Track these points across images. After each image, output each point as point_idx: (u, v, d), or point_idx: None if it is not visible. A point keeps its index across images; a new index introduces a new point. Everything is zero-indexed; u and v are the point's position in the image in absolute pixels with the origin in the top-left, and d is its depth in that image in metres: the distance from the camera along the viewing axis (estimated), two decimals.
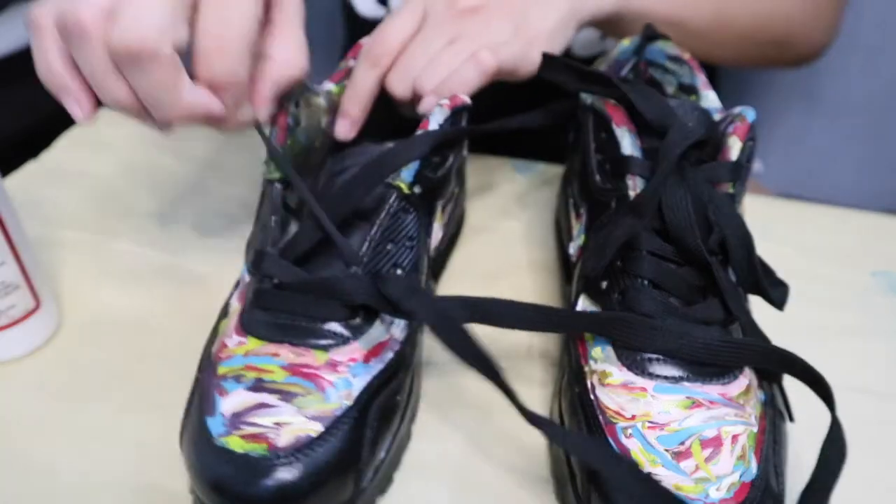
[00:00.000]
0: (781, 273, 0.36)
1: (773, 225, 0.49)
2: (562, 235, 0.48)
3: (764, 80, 1.19)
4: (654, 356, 0.33)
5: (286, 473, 0.29)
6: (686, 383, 0.32)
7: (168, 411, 0.38)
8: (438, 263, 0.47)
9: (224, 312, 0.37)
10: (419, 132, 0.38)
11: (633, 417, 0.31)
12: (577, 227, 0.41)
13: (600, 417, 0.32)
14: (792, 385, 0.35)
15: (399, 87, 0.42)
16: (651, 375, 0.32)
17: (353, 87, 0.42)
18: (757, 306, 0.37)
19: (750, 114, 0.37)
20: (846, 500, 0.35)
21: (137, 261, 0.48)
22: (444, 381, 0.40)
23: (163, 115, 0.34)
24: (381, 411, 0.33)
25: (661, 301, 0.34)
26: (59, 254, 0.48)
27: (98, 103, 0.35)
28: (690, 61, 0.44)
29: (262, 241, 0.36)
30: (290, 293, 0.34)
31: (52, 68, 0.34)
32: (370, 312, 0.34)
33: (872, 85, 1.14)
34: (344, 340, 0.33)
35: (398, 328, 0.36)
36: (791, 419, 0.34)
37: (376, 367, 0.34)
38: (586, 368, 0.35)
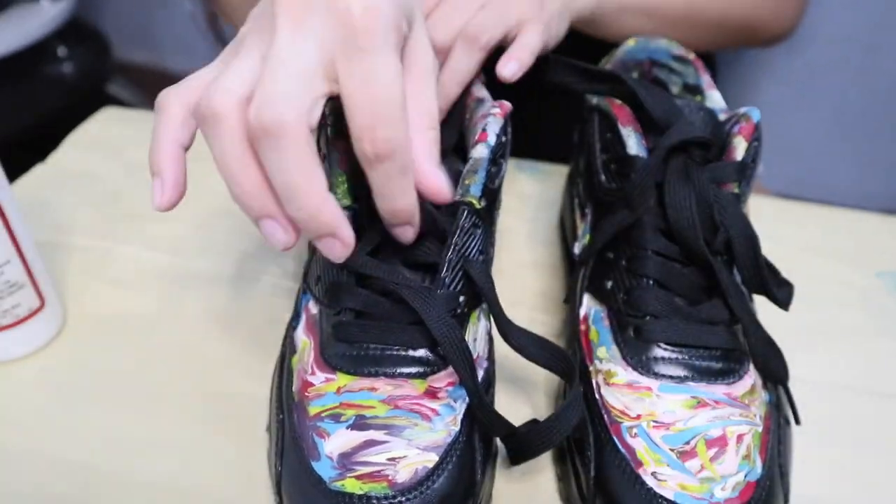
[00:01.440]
0: (785, 273, 0.37)
1: (776, 225, 0.49)
2: (566, 235, 0.48)
3: (764, 81, 1.19)
4: (660, 356, 0.33)
5: None
6: (691, 383, 0.32)
7: (171, 412, 0.38)
8: None
9: (291, 348, 0.36)
10: (478, 143, 0.35)
11: (639, 417, 0.32)
12: (583, 227, 0.41)
13: (605, 416, 0.32)
14: (792, 386, 0.35)
15: (442, 33, 0.40)
16: (656, 375, 0.33)
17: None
18: (761, 307, 0.37)
19: (755, 114, 0.37)
20: (847, 500, 0.35)
21: (142, 262, 0.48)
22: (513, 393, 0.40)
23: (295, 210, 0.28)
24: (483, 431, 0.32)
25: (667, 301, 0.34)
26: (65, 254, 0.48)
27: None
28: (695, 62, 0.44)
29: (333, 271, 0.34)
30: (378, 322, 0.33)
31: (160, 151, 0.32)
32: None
33: (872, 85, 1.14)
34: (439, 366, 0.32)
35: (481, 343, 0.35)
36: (798, 422, 0.34)
37: None
38: (591, 368, 0.35)
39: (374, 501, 0.28)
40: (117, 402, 0.39)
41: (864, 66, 1.13)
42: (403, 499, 0.28)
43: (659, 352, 0.33)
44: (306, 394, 0.32)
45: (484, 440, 0.32)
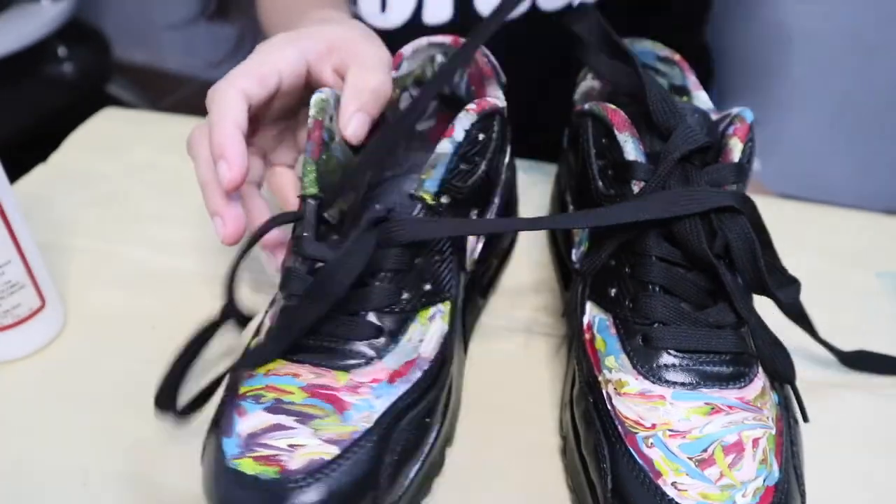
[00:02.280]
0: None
1: (776, 225, 0.49)
2: (557, 241, 0.48)
3: (764, 81, 1.19)
4: (670, 363, 0.33)
5: (296, 498, 0.28)
6: (703, 389, 0.32)
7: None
8: (486, 280, 0.45)
9: (256, 331, 0.36)
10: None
11: (654, 426, 0.31)
12: (580, 234, 0.41)
13: (619, 428, 0.32)
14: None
15: None
16: (668, 382, 0.32)
17: None
18: (761, 308, 0.37)
19: (748, 114, 0.37)
20: (848, 500, 0.35)
21: (143, 262, 0.48)
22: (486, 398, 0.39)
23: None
24: (408, 435, 0.32)
25: (674, 307, 0.34)
26: (65, 255, 0.48)
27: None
28: (681, 62, 0.44)
29: (290, 258, 0.35)
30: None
31: (223, 133, 0.36)
32: (397, 330, 0.33)
33: (872, 85, 1.14)
34: (368, 360, 0.32)
35: (430, 345, 0.35)
36: (806, 419, 0.34)
37: (402, 387, 0.33)
38: (600, 378, 0.34)
39: (261, 483, 0.28)
40: (118, 402, 0.39)
41: (864, 66, 1.13)
42: (291, 485, 0.28)
43: (669, 359, 0.33)
44: (245, 374, 0.33)
45: (406, 444, 0.32)
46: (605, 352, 0.35)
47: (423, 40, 0.44)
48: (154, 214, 0.52)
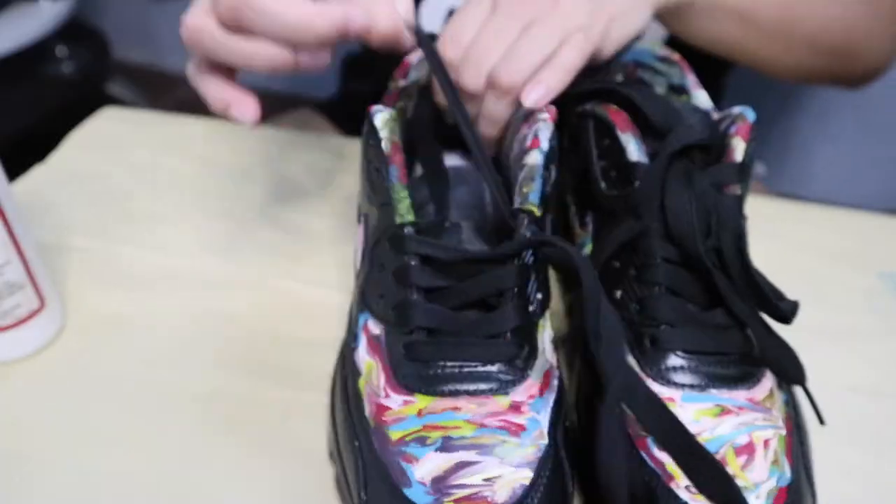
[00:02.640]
0: (786, 274, 0.36)
1: (776, 225, 0.49)
2: None
3: (764, 81, 1.19)
4: (679, 364, 0.33)
5: None
6: (713, 390, 0.32)
7: (171, 413, 0.38)
8: None
9: (353, 371, 0.34)
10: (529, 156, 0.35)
11: None
12: (583, 236, 0.40)
13: (630, 431, 0.32)
14: (795, 388, 0.35)
15: (472, 80, 0.38)
16: (677, 385, 0.32)
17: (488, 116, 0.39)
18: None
19: (750, 114, 0.37)
20: (853, 500, 0.35)
21: (142, 262, 0.48)
22: None
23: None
24: (566, 441, 0.32)
25: (681, 308, 0.34)
26: (65, 255, 0.48)
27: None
28: (680, 62, 0.44)
29: (397, 288, 0.33)
30: (450, 339, 0.32)
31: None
32: (532, 344, 0.33)
33: (872, 85, 1.14)
34: (518, 378, 0.32)
35: (549, 351, 0.34)
36: (822, 422, 0.34)
37: (550, 396, 0.32)
38: None
39: None
40: (117, 402, 0.39)
41: None
42: None
43: (677, 361, 0.33)
44: (384, 418, 0.31)
45: (567, 450, 0.32)
46: None
47: None
48: (154, 214, 0.52)
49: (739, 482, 0.29)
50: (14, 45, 1.19)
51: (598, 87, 0.40)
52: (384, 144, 0.34)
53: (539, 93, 0.37)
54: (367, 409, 0.32)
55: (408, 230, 0.33)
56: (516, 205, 0.34)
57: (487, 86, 0.38)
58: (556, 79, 0.37)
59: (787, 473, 0.30)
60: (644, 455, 0.31)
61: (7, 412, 0.38)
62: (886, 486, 0.36)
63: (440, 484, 0.28)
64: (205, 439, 0.37)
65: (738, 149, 0.36)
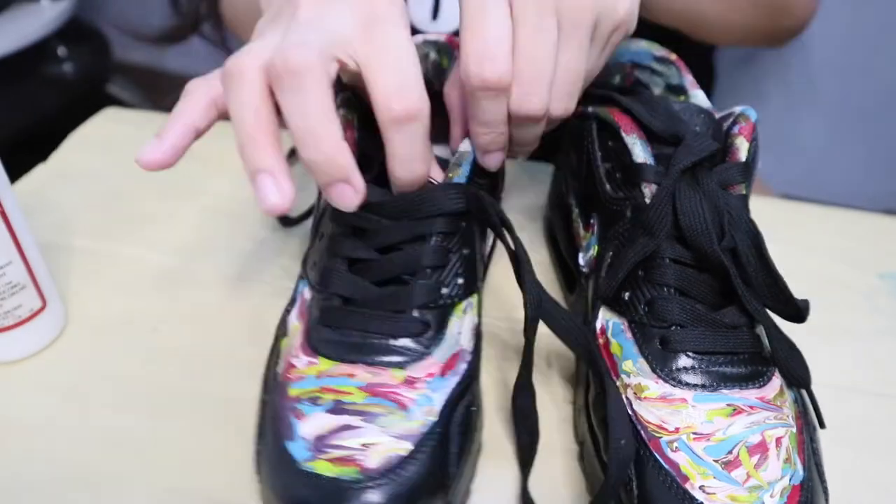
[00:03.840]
0: (787, 274, 0.36)
1: (778, 226, 0.49)
2: (557, 242, 0.48)
3: (764, 81, 1.19)
4: (689, 365, 0.33)
5: (378, 495, 0.28)
6: (724, 390, 0.32)
7: (172, 413, 0.38)
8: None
9: (283, 331, 0.36)
10: None
11: (677, 430, 0.31)
12: (588, 238, 0.40)
13: (642, 433, 0.32)
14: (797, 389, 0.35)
15: (537, 106, 0.33)
16: (688, 385, 0.32)
17: (486, 125, 0.34)
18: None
19: (752, 113, 0.37)
20: (854, 501, 0.35)
21: (144, 262, 0.48)
22: (502, 390, 0.40)
23: (313, 153, 0.30)
24: (462, 424, 0.33)
25: (690, 309, 0.34)
26: (66, 255, 0.48)
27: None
28: (677, 62, 0.44)
29: (327, 257, 0.35)
30: (361, 310, 0.33)
31: (173, 122, 0.34)
32: (441, 325, 0.34)
33: (872, 85, 1.14)
34: (419, 356, 0.33)
35: (466, 338, 0.35)
36: (822, 426, 0.34)
37: (453, 379, 0.33)
38: (618, 382, 0.34)
39: (344, 484, 0.28)
40: (118, 402, 0.39)
41: (864, 66, 1.13)
42: (373, 484, 0.28)
43: (687, 361, 0.33)
44: (288, 376, 0.33)
45: (462, 434, 0.32)
46: (621, 356, 0.34)
47: (419, 38, 0.44)
48: (154, 214, 0.52)
49: (753, 482, 0.29)
50: (15, 45, 1.19)
51: (599, 94, 0.40)
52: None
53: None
54: (280, 366, 0.34)
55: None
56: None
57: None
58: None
59: (800, 471, 0.30)
60: (658, 456, 0.30)
61: (7, 412, 0.38)
62: (886, 487, 0.36)
63: (320, 442, 0.30)
64: (205, 439, 0.37)
65: (742, 148, 0.36)
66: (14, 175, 0.47)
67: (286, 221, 0.50)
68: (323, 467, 0.29)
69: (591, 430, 0.35)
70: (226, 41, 0.73)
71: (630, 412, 0.33)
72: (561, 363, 0.42)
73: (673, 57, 0.44)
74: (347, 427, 0.30)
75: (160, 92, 1.72)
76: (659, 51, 0.45)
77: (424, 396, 0.32)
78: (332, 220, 0.35)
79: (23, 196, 0.44)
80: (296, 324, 0.35)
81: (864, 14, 1.08)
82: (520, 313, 0.43)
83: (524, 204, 0.54)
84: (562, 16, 0.33)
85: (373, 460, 0.29)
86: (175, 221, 0.52)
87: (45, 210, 0.52)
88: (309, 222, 0.51)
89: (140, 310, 0.44)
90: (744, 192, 0.35)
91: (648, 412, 0.32)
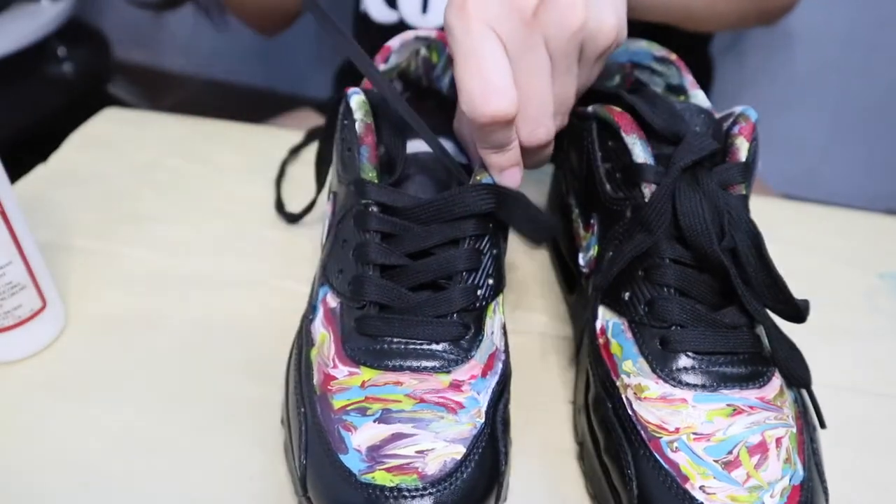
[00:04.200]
0: (788, 274, 0.36)
1: (778, 226, 0.49)
2: (557, 241, 0.48)
3: (764, 81, 1.19)
4: (689, 365, 0.33)
5: (439, 500, 0.28)
6: (724, 390, 0.32)
7: (172, 412, 0.38)
8: None
9: (308, 341, 0.36)
10: None
11: (677, 430, 0.31)
12: (588, 238, 0.40)
13: (642, 433, 0.32)
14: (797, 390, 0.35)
15: (545, 137, 0.35)
16: (688, 385, 0.32)
17: (498, 148, 0.35)
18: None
19: (752, 113, 0.37)
20: (853, 500, 0.35)
21: (144, 262, 0.48)
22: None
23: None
24: (503, 423, 0.33)
25: (690, 309, 0.34)
26: (66, 255, 0.48)
27: None
28: (677, 62, 0.44)
29: (357, 264, 0.35)
30: (400, 316, 0.33)
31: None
32: (479, 326, 0.34)
33: (872, 85, 1.14)
34: (462, 359, 0.33)
35: (498, 337, 0.35)
36: (823, 426, 0.34)
37: (493, 379, 0.34)
38: (618, 382, 0.34)
39: (405, 493, 0.28)
40: (119, 402, 0.38)
41: (864, 66, 1.13)
42: (434, 490, 0.28)
43: (688, 361, 0.33)
44: (329, 387, 0.32)
45: (505, 432, 0.33)
46: (621, 356, 0.34)
47: (410, 34, 0.44)
48: (154, 214, 0.52)
49: (754, 482, 0.29)
50: (15, 45, 1.19)
51: (600, 90, 0.40)
52: (358, 126, 0.36)
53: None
54: (316, 378, 0.33)
55: (372, 209, 0.35)
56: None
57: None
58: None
59: (800, 471, 0.30)
60: (657, 456, 0.30)
61: (8, 412, 0.38)
62: (886, 487, 0.36)
63: (375, 452, 0.30)
64: (206, 439, 0.37)
65: (743, 148, 0.36)
66: (14, 175, 0.47)
67: (290, 218, 0.50)
68: (382, 478, 0.29)
69: (591, 430, 0.35)
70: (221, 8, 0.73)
71: (630, 412, 0.33)
72: (561, 363, 0.42)
73: (673, 57, 0.44)
74: (400, 435, 0.30)
75: (160, 92, 1.72)
76: (659, 51, 0.45)
77: (471, 399, 0.32)
78: (358, 227, 0.35)
79: (23, 196, 0.44)
80: (323, 332, 0.35)
81: (864, 13, 1.08)
82: (527, 309, 0.43)
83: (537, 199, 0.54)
84: (549, 47, 0.33)
85: (430, 466, 0.29)
86: (174, 221, 0.52)
87: (45, 210, 0.52)
88: (309, 222, 0.51)
89: (140, 310, 0.44)
90: (744, 192, 0.35)
91: (648, 412, 0.32)
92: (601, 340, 0.36)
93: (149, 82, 1.60)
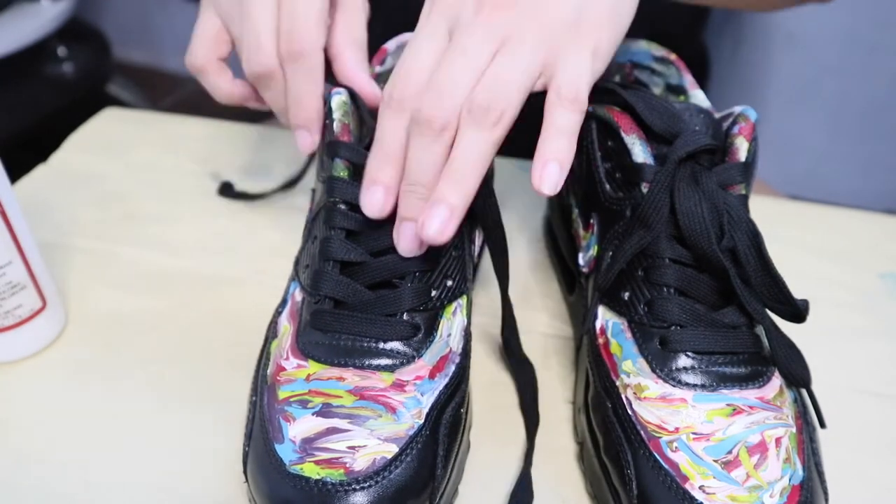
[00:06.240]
0: (788, 274, 0.36)
1: (779, 226, 0.49)
2: (557, 242, 0.48)
3: (764, 81, 1.19)
4: (689, 365, 0.33)
5: (364, 497, 0.28)
6: (724, 390, 0.32)
7: (172, 412, 0.38)
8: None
9: (273, 333, 0.36)
10: None
11: (677, 430, 0.31)
12: (588, 238, 0.40)
13: (642, 433, 0.32)
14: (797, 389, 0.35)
15: (439, 114, 0.31)
16: (688, 385, 0.32)
17: (382, 147, 0.33)
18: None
19: (751, 113, 0.37)
20: (848, 500, 0.35)
21: (143, 262, 0.48)
22: (491, 389, 0.40)
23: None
24: (449, 426, 0.33)
25: (690, 309, 0.34)
26: (66, 255, 0.48)
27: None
28: (677, 62, 0.44)
29: (319, 259, 0.35)
30: (352, 313, 0.34)
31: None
32: (430, 327, 0.34)
33: (872, 85, 1.14)
34: (408, 359, 0.33)
35: (455, 340, 0.35)
36: (823, 425, 0.34)
37: (441, 381, 0.33)
38: (618, 382, 0.34)
39: (329, 487, 0.28)
40: (119, 402, 0.39)
41: (864, 66, 1.13)
42: (358, 486, 0.28)
43: (687, 361, 0.33)
44: (278, 378, 0.33)
45: (450, 436, 0.32)
46: (621, 356, 0.34)
47: (407, 36, 0.44)
48: (154, 214, 0.52)
49: (753, 481, 0.29)
50: (14, 45, 1.19)
51: (600, 86, 0.40)
52: (335, 125, 0.37)
53: (552, 176, 0.32)
54: (270, 368, 0.34)
55: (340, 206, 0.35)
56: None
57: (463, 116, 0.31)
58: (565, 150, 0.32)
59: (800, 471, 0.30)
60: (657, 456, 0.30)
61: (8, 412, 0.38)
62: (886, 487, 0.36)
63: (308, 445, 0.30)
64: (205, 439, 0.37)
65: (742, 148, 0.36)
66: (15, 175, 0.47)
67: (256, 196, 0.52)
68: (310, 469, 0.29)
69: (590, 430, 0.35)
70: None
71: (629, 412, 0.33)
72: (561, 363, 0.42)
73: (672, 57, 0.44)
74: (335, 430, 0.30)
75: (160, 92, 1.72)
76: (658, 51, 0.45)
77: (413, 399, 0.32)
78: (326, 224, 0.36)
79: (23, 196, 0.44)
80: (286, 325, 0.36)
81: (864, 13, 1.08)
82: (527, 309, 0.43)
83: (524, 204, 0.54)
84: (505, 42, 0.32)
85: (359, 463, 0.29)
86: (174, 221, 0.52)
87: (45, 210, 0.52)
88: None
89: (140, 310, 0.44)
90: (743, 191, 0.35)
91: (648, 412, 0.32)
92: (601, 340, 0.36)
93: (149, 82, 1.60)
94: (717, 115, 0.39)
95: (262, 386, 0.34)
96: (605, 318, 0.37)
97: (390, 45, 0.44)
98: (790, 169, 1.27)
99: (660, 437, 0.31)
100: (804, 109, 1.21)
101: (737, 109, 0.38)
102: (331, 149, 0.37)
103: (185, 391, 0.39)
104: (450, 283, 0.35)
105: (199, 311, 0.44)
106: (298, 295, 0.36)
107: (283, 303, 0.37)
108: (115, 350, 0.42)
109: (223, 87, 0.43)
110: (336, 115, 0.37)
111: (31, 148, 0.62)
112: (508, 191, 0.56)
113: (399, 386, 0.32)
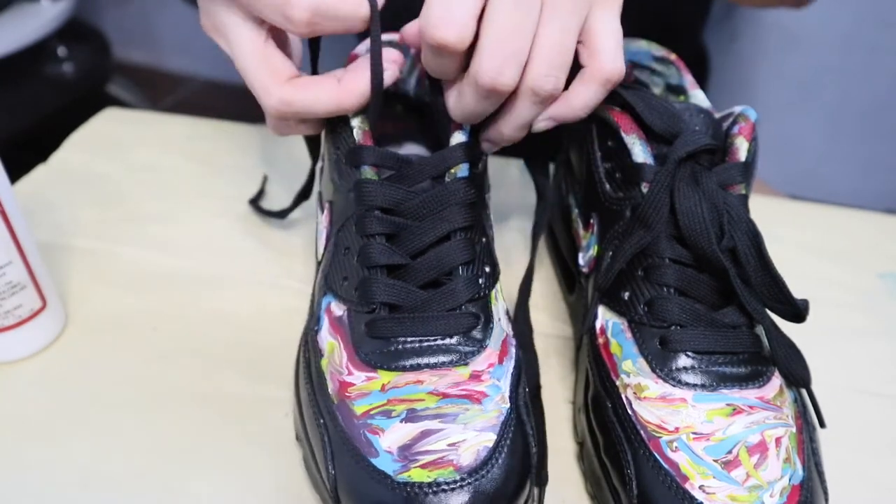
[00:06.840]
0: (788, 274, 0.36)
1: (778, 226, 0.49)
2: (557, 242, 0.48)
3: (764, 81, 1.19)
4: (689, 365, 0.33)
5: (481, 488, 0.28)
6: (724, 390, 0.32)
7: (172, 412, 0.38)
8: None
9: (316, 352, 0.35)
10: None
11: (677, 430, 0.31)
12: (588, 238, 0.40)
13: (642, 433, 0.32)
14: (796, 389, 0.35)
15: (509, 77, 0.32)
16: (688, 385, 0.32)
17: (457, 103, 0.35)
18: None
19: (751, 113, 0.37)
20: (848, 500, 0.35)
21: (144, 263, 0.48)
22: None
23: None
24: (526, 405, 0.33)
25: (690, 309, 0.34)
26: (66, 255, 0.48)
27: None
28: (677, 62, 0.44)
29: (362, 269, 0.34)
30: (413, 315, 0.33)
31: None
32: (487, 315, 0.34)
33: (872, 85, 1.14)
34: (477, 349, 0.33)
35: (505, 323, 0.36)
36: (823, 425, 0.34)
37: (509, 364, 0.34)
38: (618, 382, 0.34)
39: (444, 486, 0.28)
40: (119, 403, 0.38)
41: (864, 66, 1.13)
42: (471, 479, 0.28)
43: (687, 361, 0.33)
44: (347, 394, 0.32)
45: (528, 413, 0.33)
46: (621, 356, 0.34)
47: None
48: (154, 214, 0.52)
49: (753, 481, 0.29)
50: (14, 45, 1.19)
51: None
52: (356, 133, 0.36)
53: (547, 125, 0.36)
54: (331, 388, 0.33)
55: (376, 212, 0.35)
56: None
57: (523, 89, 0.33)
58: (593, 99, 0.35)
59: (800, 471, 0.30)
60: (657, 456, 0.31)
61: (8, 412, 0.38)
62: (886, 487, 0.36)
63: (406, 451, 0.29)
64: (206, 439, 0.37)
65: (742, 148, 0.36)
66: (14, 175, 0.47)
67: (279, 214, 0.50)
68: (418, 475, 0.29)
69: (590, 430, 0.35)
70: None
71: (629, 412, 0.33)
72: (561, 363, 0.42)
73: (672, 57, 0.44)
74: (429, 432, 0.30)
75: (160, 92, 1.72)
76: (658, 51, 0.45)
77: (493, 387, 0.32)
78: (359, 233, 0.35)
79: (23, 196, 0.44)
80: (331, 342, 0.35)
81: (864, 13, 1.08)
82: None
83: (524, 204, 0.54)
84: None
85: (465, 457, 0.29)
86: (174, 221, 0.52)
87: (45, 210, 0.52)
88: (307, 225, 0.51)
89: (140, 310, 0.44)
90: (743, 191, 0.35)
91: (648, 412, 0.32)
92: (601, 340, 0.36)
93: (149, 82, 1.60)
94: (717, 115, 0.39)
95: (328, 406, 0.33)
96: (605, 318, 0.37)
97: (360, 49, 0.44)
98: (790, 169, 1.27)
99: (660, 437, 0.31)
100: (804, 109, 1.21)
101: (737, 109, 0.38)
102: (354, 156, 0.36)
103: (186, 391, 0.39)
104: (488, 269, 0.35)
105: (199, 311, 0.44)
106: (337, 309, 0.35)
107: (318, 321, 0.36)
108: (115, 350, 0.42)
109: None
110: (354, 122, 0.36)
111: (31, 148, 0.62)
112: (508, 191, 0.56)
113: (476, 377, 0.32)
